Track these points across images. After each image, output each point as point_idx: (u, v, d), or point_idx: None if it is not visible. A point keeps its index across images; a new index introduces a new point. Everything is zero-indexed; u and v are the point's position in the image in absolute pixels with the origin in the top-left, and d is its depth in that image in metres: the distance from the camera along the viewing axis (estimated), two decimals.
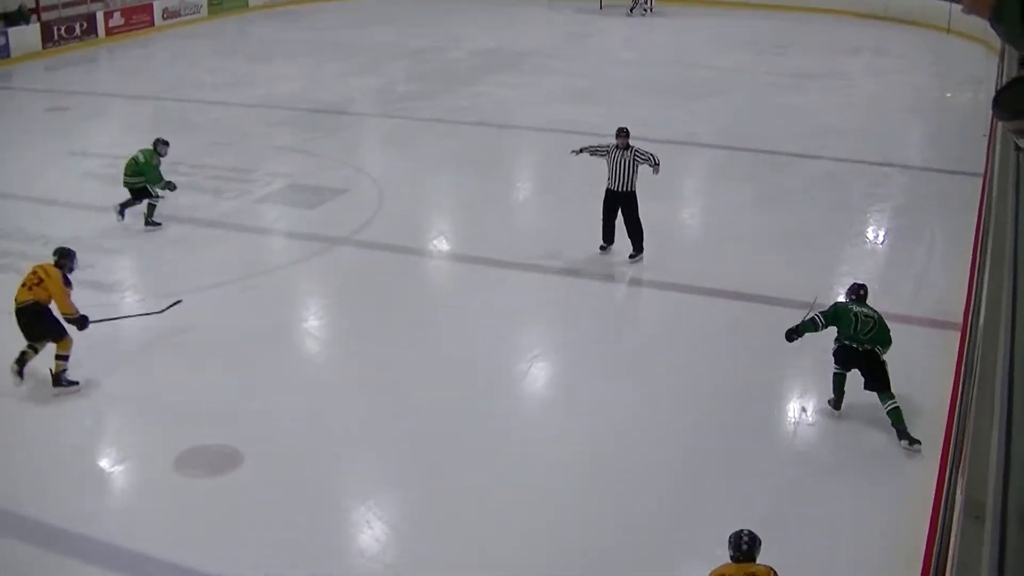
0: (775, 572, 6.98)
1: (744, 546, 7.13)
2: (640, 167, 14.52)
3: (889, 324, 10.45)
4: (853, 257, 15.00)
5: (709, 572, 7.06)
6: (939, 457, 9.41)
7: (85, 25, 32.28)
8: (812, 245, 15.32)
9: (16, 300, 11.25)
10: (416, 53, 31.26)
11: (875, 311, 10.52)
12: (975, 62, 29.00)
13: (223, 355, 12.14)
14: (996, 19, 2.83)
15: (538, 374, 11.84)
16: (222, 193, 17.77)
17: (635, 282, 14.61)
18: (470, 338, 12.57)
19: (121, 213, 15.97)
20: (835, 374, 10.70)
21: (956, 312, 12.47)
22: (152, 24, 34.77)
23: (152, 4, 34.94)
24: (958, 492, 5.51)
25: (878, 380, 10.33)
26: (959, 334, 11.77)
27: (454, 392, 11.23)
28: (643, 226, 14.64)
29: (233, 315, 13.19)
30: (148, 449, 10.23)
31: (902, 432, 10.09)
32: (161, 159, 16.09)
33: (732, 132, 22.04)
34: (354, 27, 36.05)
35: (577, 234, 15.54)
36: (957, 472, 6.26)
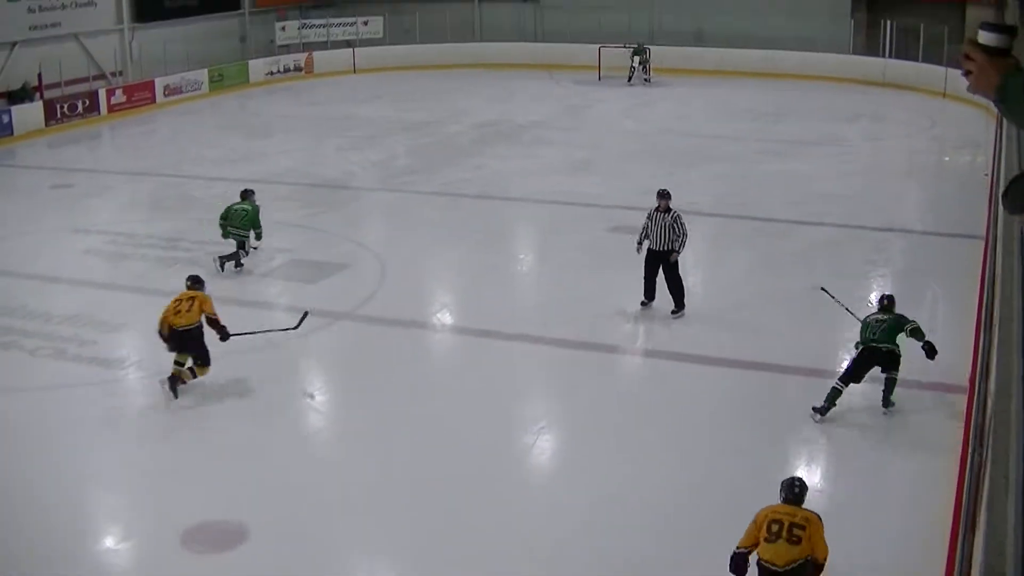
0: (820, 519, 8.13)
1: (796, 489, 8.33)
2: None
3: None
4: (856, 323, 14.94)
5: (761, 509, 8.23)
6: (951, 522, 9.31)
7: (87, 102, 32.52)
8: (814, 312, 15.29)
9: (174, 325, 12.58)
10: (415, 127, 31.41)
11: (889, 315, 12.23)
12: (972, 126, 29.15)
13: (226, 430, 12.11)
14: (1000, 99, 2.87)
15: (544, 446, 11.77)
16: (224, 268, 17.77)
17: (640, 352, 14.61)
18: (475, 411, 12.51)
19: (239, 263, 17.42)
20: (835, 388, 11.95)
21: (962, 375, 12.43)
22: (154, 101, 35.02)
23: (154, 81, 35.22)
24: (974, 558, 5.44)
25: (893, 367, 11.96)
26: (966, 397, 11.72)
27: (460, 466, 11.15)
28: (684, 283, 15.19)
29: (235, 390, 13.13)
30: (153, 525, 10.17)
31: (887, 400, 11.99)
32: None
33: (732, 200, 22.11)
34: (353, 102, 36.28)
35: (579, 305, 15.58)
36: (972, 537, 6.20)
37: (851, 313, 13.27)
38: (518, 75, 40.47)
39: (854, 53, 38.45)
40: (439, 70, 41.36)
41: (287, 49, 41.68)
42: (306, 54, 41.44)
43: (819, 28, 38.32)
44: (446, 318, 16.00)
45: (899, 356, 11.99)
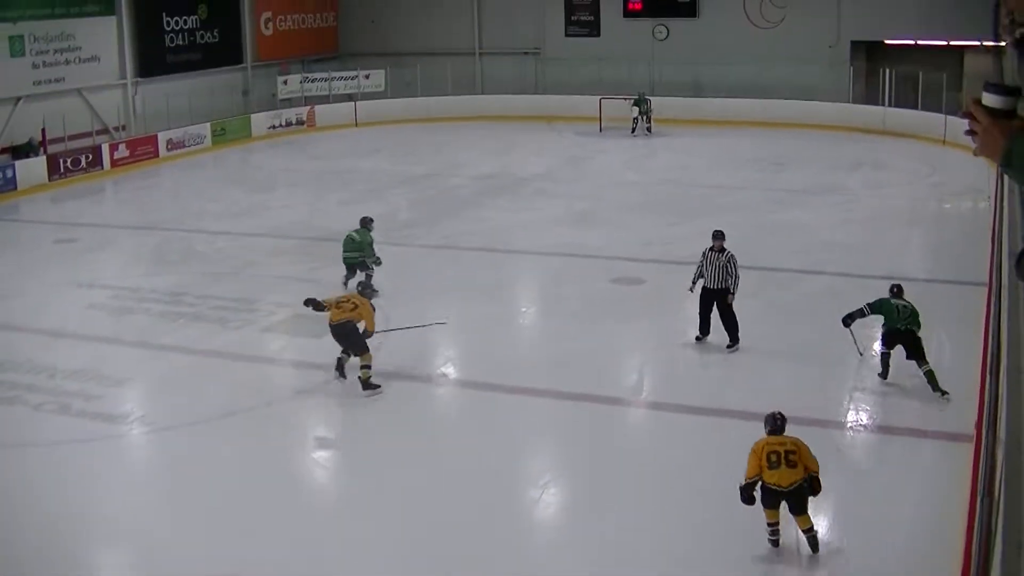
0: (802, 440, 9.95)
1: (779, 421, 10.06)
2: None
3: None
4: (860, 372, 14.91)
5: (755, 442, 9.93)
6: (960, 571, 9.25)
7: (91, 157, 32.63)
8: (818, 362, 15.28)
9: (332, 320, 14.31)
10: (417, 180, 31.39)
11: (909, 303, 13.93)
12: (972, 172, 29.14)
13: (230, 486, 12.05)
14: (1006, 165, 2.88)
15: (550, 500, 11.72)
16: (227, 323, 17.78)
17: (645, 404, 14.58)
18: (480, 465, 12.47)
19: (346, 284, 18.80)
20: (882, 353, 14.08)
21: (968, 423, 12.38)
22: (157, 155, 35.13)
23: (157, 135, 35.35)
24: None
25: (917, 352, 13.66)
26: (972, 445, 11.66)
27: (466, 520, 11.11)
28: (737, 320, 15.75)
29: (239, 445, 13.11)
30: None
31: (935, 387, 13.43)
32: (372, 234, 19.23)
33: (735, 250, 21.83)
34: (355, 155, 36.30)
35: (583, 357, 15.57)
36: None
37: (860, 354, 14.70)
38: (519, 127, 40.55)
39: (854, 102, 38.60)
40: (441, 123, 41.51)
41: (289, 103, 41.86)
42: (308, 108, 41.64)
43: (818, 77, 38.51)
44: (450, 371, 15.97)
45: (919, 339, 13.63)
